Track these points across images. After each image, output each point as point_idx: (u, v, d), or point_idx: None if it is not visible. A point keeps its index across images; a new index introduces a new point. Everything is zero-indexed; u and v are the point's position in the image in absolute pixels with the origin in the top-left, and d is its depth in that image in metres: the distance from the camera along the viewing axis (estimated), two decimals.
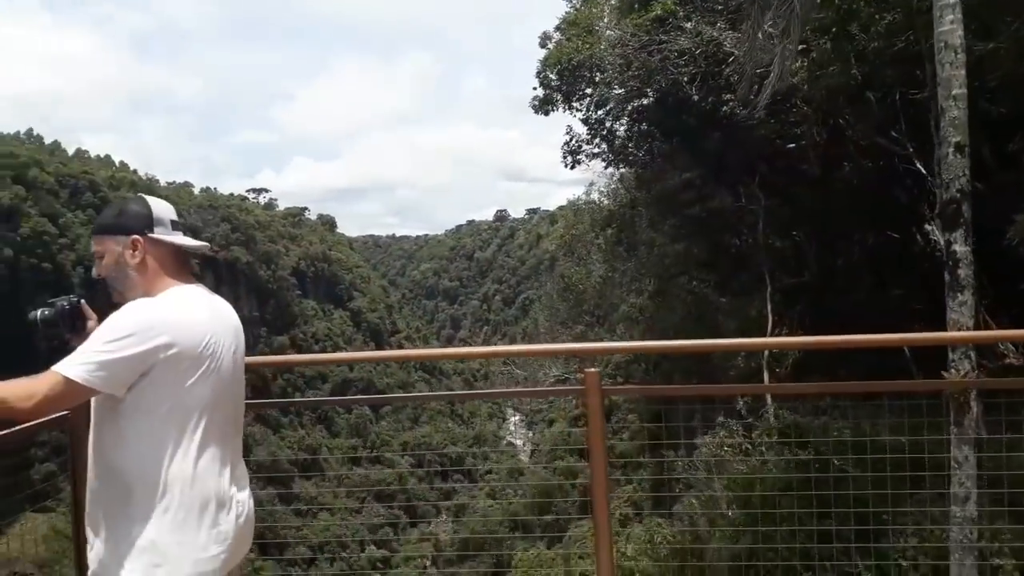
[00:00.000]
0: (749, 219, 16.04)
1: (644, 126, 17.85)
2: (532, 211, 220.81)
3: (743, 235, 17.18)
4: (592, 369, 3.93)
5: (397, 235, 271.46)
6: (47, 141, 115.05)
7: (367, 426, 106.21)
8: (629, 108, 17.56)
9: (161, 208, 2.64)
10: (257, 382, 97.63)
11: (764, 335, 13.70)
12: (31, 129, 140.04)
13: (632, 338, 30.27)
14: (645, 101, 16.89)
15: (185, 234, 2.68)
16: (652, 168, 18.26)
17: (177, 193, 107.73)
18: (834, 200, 14.19)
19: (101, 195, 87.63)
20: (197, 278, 2.69)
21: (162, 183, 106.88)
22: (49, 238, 75.82)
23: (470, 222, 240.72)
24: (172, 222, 2.64)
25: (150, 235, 2.55)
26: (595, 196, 26.37)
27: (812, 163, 14.35)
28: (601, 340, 28.48)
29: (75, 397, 2.33)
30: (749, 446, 11.13)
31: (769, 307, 14.76)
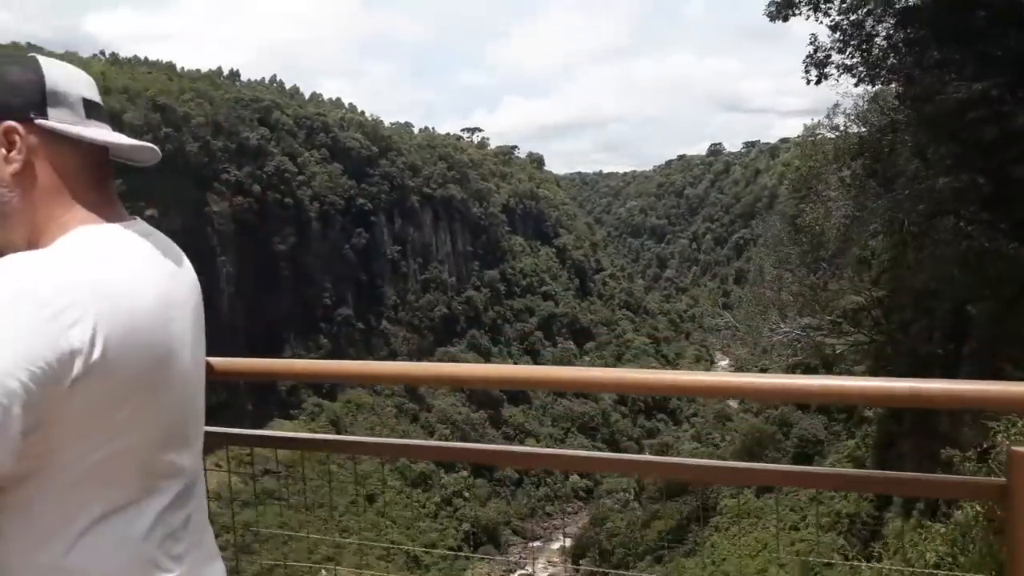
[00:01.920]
0: None
1: (914, 29, 14.94)
2: (750, 144, 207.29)
3: None
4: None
5: (604, 172, 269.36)
6: (288, 86, 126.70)
7: (571, 360, 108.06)
8: (895, 8, 14.77)
9: (64, 77, 1.41)
10: (471, 312, 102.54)
11: None
12: (275, 75, 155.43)
13: (863, 283, 26.87)
14: None
15: (112, 131, 1.53)
16: (923, 82, 15.31)
17: (399, 133, 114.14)
18: None
19: (332, 135, 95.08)
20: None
21: (386, 123, 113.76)
22: (289, 175, 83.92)
23: (681, 157, 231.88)
24: (86, 103, 1.44)
25: (41, 121, 1.35)
26: (840, 121, 22.82)
27: None
28: (841, 293, 25.52)
29: None
30: None
31: None
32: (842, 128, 22.06)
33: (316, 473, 73.39)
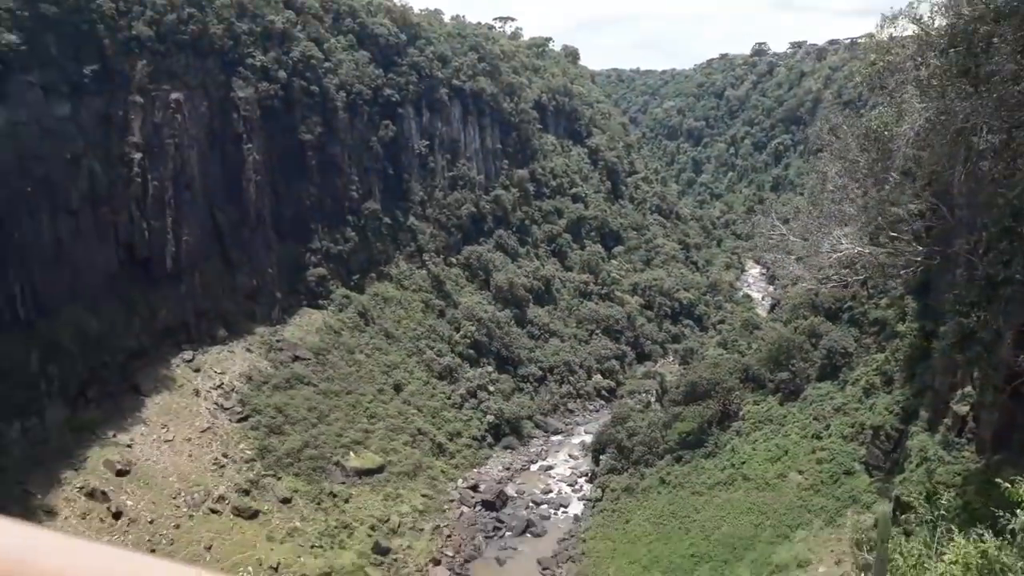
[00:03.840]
0: None
1: None
2: (796, 45, 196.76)
3: None
4: None
5: (641, 69, 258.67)
6: None
7: (599, 263, 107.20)
8: None
9: None
10: (498, 211, 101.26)
11: None
12: None
13: (930, 197, 25.20)
14: None
15: None
16: None
17: (428, 20, 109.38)
18: None
19: (359, 20, 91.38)
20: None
21: (415, 10, 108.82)
22: (316, 61, 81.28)
23: (723, 56, 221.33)
24: None
25: None
26: (924, 9, 19.87)
27: None
28: (912, 206, 23.93)
29: None
30: None
31: None
32: (928, 17, 19.32)
33: (345, 362, 75.02)
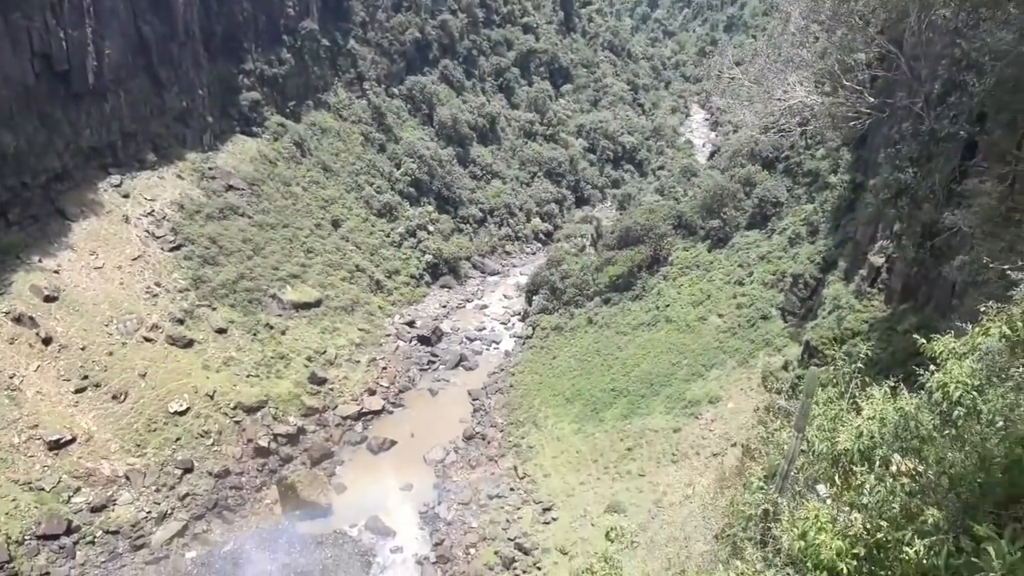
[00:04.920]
0: None
1: None
2: None
3: None
4: None
5: None
6: None
7: (546, 102, 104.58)
8: None
9: None
10: (445, 39, 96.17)
11: None
12: None
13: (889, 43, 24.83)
14: None
15: None
16: None
17: None
18: None
19: None
20: None
21: None
22: None
23: None
24: None
25: None
26: None
27: None
28: (862, 55, 23.42)
29: None
30: None
31: None
32: None
33: (281, 194, 73.26)
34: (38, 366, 45.48)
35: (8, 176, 50.83)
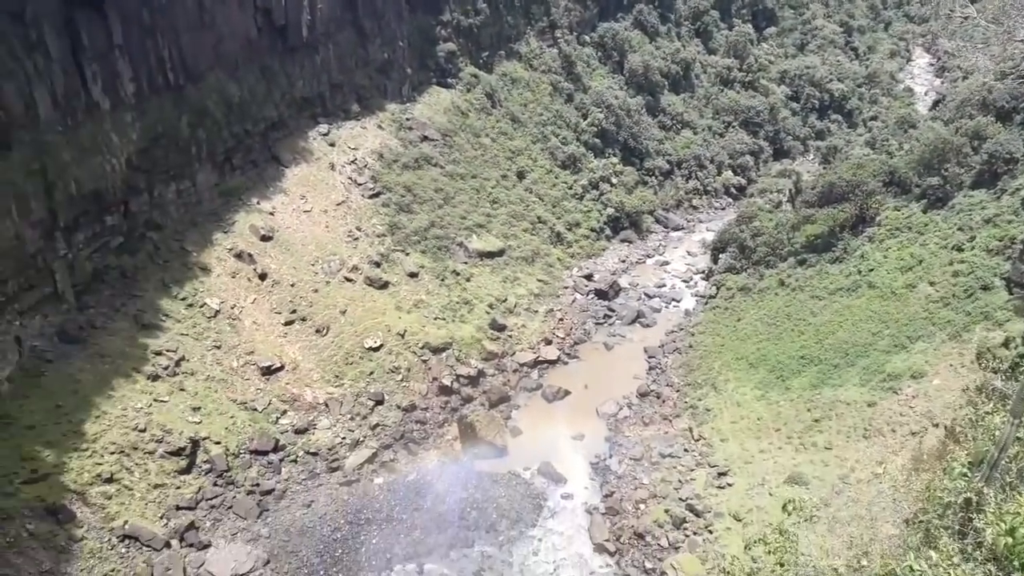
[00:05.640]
0: None
1: None
2: None
3: None
4: None
5: None
6: None
7: (747, 46, 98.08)
8: None
9: None
10: None
11: None
12: None
13: None
14: None
15: None
16: None
17: None
18: None
19: None
20: None
21: None
22: None
23: None
24: None
25: None
26: None
27: None
28: None
29: None
30: None
31: None
32: None
33: (471, 145, 75.53)
34: (254, 299, 50.93)
35: (234, 123, 56.44)
